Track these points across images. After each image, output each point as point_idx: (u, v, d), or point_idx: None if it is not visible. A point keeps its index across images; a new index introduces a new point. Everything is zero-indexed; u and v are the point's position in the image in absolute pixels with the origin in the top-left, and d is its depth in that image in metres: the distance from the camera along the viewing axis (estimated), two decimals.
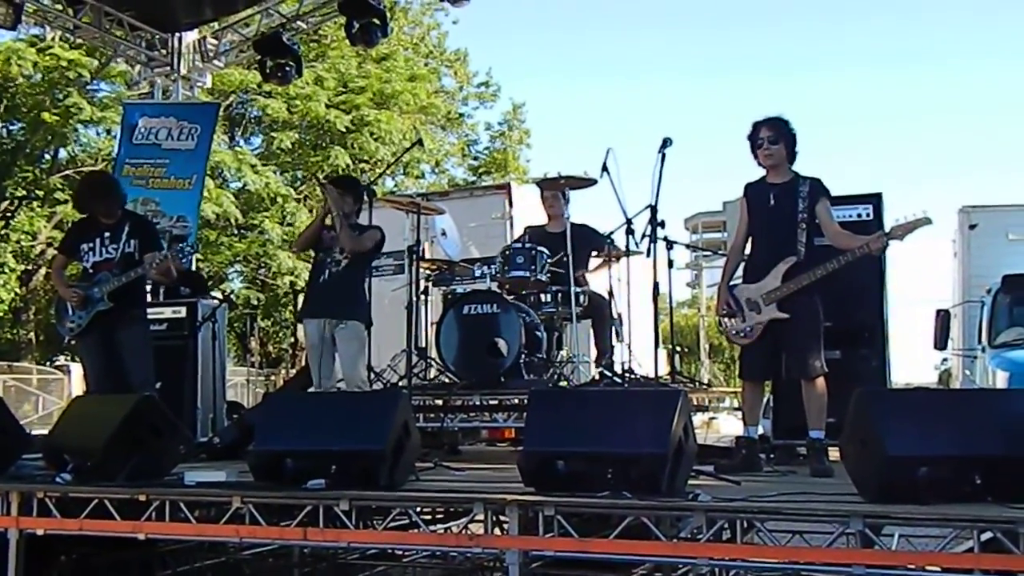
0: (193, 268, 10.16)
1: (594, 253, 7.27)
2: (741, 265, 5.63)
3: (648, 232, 6.26)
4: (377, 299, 6.90)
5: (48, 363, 24.45)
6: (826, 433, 5.19)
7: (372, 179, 14.40)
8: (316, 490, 4.25)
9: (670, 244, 6.75)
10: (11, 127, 22.61)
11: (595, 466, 3.98)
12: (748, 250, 5.60)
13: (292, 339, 26.45)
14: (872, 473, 3.81)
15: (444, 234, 7.72)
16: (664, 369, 7.63)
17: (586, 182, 6.91)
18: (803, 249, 5.30)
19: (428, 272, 7.53)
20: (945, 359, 15.06)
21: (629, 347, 7.09)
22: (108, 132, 21.22)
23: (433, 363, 7.12)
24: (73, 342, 6.60)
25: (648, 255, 6.30)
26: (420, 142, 12.84)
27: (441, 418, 6.83)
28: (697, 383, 9.64)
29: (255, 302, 24.56)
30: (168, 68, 11.26)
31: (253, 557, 6.25)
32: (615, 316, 7.09)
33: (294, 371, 21.76)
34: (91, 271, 6.34)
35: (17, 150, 22.39)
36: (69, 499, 4.68)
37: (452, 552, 4.33)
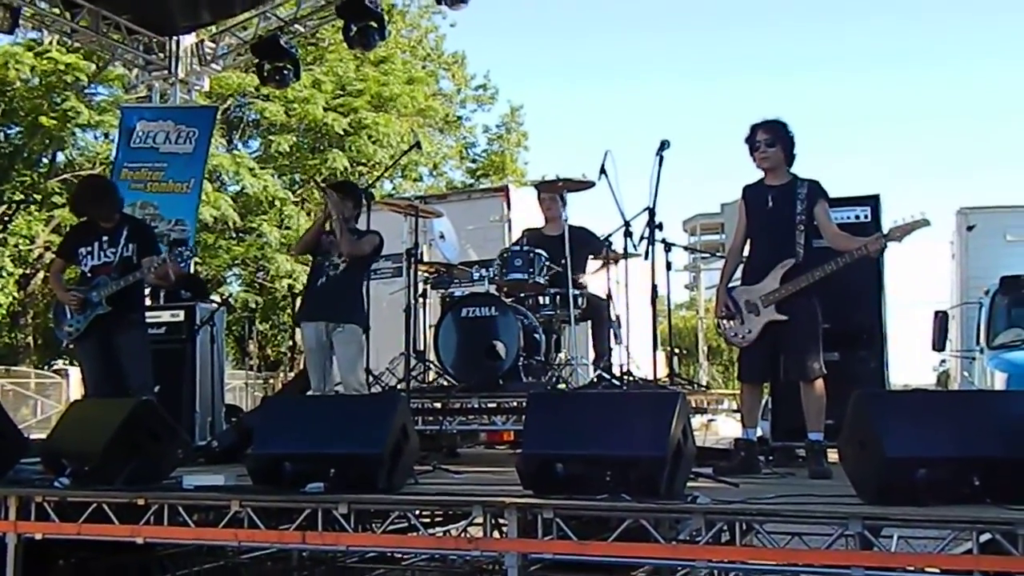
0: (191, 271, 10.16)
1: (592, 256, 7.26)
2: (740, 267, 5.64)
3: (646, 234, 6.26)
4: (375, 302, 6.90)
5: (46, 367, 24.42)
6: (825, 435, 5.19)
7: (370, 182, 14.40)
8: (315, 493, 4.25)
9: (668, 246, 6.77)
10: (8, 131, 22.57)
11: (594, 469, 3.98)
12: (747, 252, 5.60)
13: (290, 342, 26.39)
14: (871, 475, 3.81)
15: (442, 237, 7.72)
16: (663, 371, 7.63)
17: (584, 185, 6.91)
18: (801, 251, 5.31)
19: (426, 275, 7.53)
20: (943, 360, 15.03)
21: (627, 349, 7.09)
22: (106, 136, 21.21)
23: (432, 366, 7.12)
24: (71, 346, 6.60)
25: (646, 257, 6.30)
26: (418, 145, 12.86)
27: (440, 421, 6.83)
28: (696, 385, 9.66)
29: (253, 305, 24.53)
30: (166, 72, 11.27)
31: (252, 561, 6.23)
32: (613, 318, 7.09)
33: (292, 374, 21.74)
34: (89, 275, 6.34)
35: (15, 154, 22.36)
36: (67, 503, 4.67)
37: (451, 555, 4.33)
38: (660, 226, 6.29)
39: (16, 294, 22.04)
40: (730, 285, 5.56)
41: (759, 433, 5.65)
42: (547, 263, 6.84)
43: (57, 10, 10.30)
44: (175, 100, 11.26)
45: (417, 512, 4.42)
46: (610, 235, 6.96)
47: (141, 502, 4.50)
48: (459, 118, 29.16)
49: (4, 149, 22.55)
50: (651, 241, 6.25)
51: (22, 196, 22.55)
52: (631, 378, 6.76)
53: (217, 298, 10.32)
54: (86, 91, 21.59)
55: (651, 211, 6.25)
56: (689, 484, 4.20)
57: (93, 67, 20.30)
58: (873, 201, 6.58)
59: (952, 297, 12.28)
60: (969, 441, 3.78)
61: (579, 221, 7.25)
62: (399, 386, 6.89)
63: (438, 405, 6.91)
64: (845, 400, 4.13)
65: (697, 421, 9.39)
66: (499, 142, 29.80)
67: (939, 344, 9.70)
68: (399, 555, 6.22)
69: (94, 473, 4.73)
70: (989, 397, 6.09)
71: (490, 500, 4.02)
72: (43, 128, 20.72)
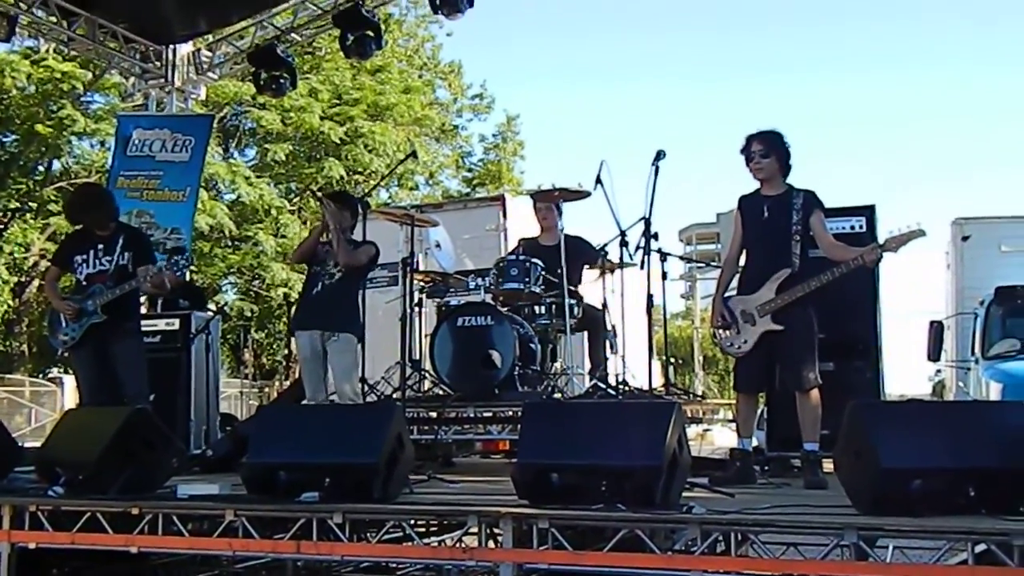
0: (189, 280, 10.15)
1: (587, 265, 7.27)
2: (736, 277, 5.64)
3: (642, 244, 6.26)
4: (371, 311, 6.91)
5: (41, 375, 24.40)
6: (820, 445, 5.19)
7: (366, 191, 14.42)
8: (310, 503, 4.24)
9: (664, 256, 6.76)
10: (5, 139, 22.59)
11: (589, 479, 3.98)
12: (743, 262, 5.61)
13: (286, 351, 26.40)
14: (866, 485, 3.81)
15: (438, 246, 7.73)
16: (658, 381, 7.63)
17: (580, 194, 6.91)
18: (797, 261, 5.32)
19: (422, 284, 7.53)
20: (939, 371, 15.08)
21: (623, 359, 7.09)
22: (102, 144, 21.21)
23: (427, 375, 7.11)
24: (66, 354, 6.59)
25: (642, 267, 6.30)
26: (414, 154, 12.86)
27: (435, 430, 6.83)
28: (691, 395, 9.65)
29: (249, 314, 24.53)
30: (162, 80, 11.26)
31: (246, 570, 6.21)
32: (609, 328, 7.09)
33: (288, 383, 21.73)
34: (85, 283, 6.33)
35: (11, 162, 22.36)
36: (61, 512, 4.66)
37: (446, 565, 4.32)
38: (656, 236, 6.29)
39: (11, 302, 22.04)
40: (726, 295, 5.56)
41: (755, 443, 5.66)
42: (543, 273, 6.84)
43: (54, 18, 10.30)
44: (171, 108, 11.26)
45: (412, 522, 4.41)
46: (606, 245, 6.96)
47: (135, 511, 4.49)
48: (455, 127, 29.23)
49: (0, 157, 22.55)
50: (647, 251, 6.25)
51: (18, 204, 22.55)
52: (627, 388, 6.76)
53: (213, 306, 10.31)
54: (82, 99, 21.62)
55: (647, 221, 6.25)
56: (685, 494, 4.20)
57: (89, 75, 20.31)
58: (868, 211, 6.60)
59: (947, 307, 12.30)
60: (965, 452, 3.79)
61: (575, 231, 7.27)
62: (394, 395, 6.88)
63: (434, 414, 6.91)
64: (840, 410, 4.13)
65: (693, 431, 9.40)
66: (495, 151, 29.86)
67: (934, 354, 9.69)
68: (394, 565, 6.20)
69: (88, 482, 4.71)
70: (984, 408, 6.09)
71: (485, 510, 4.01)
72: (39, 136, 20.73)
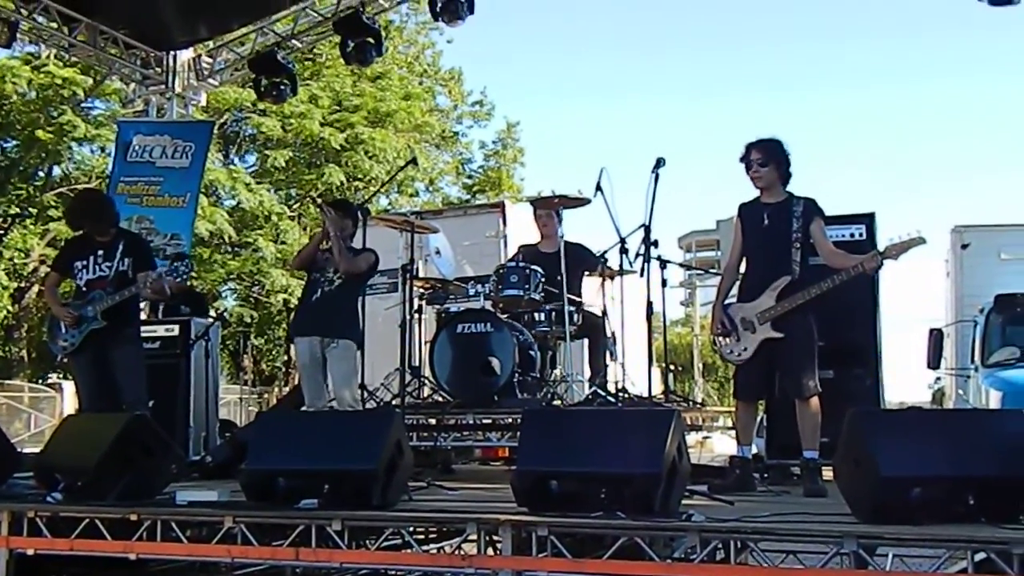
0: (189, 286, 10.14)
1: (587, 272, 7.27)
2: (736, 284, 5.64)
3: (642, 251, 6.26)
4: (371, 317, 6.91)
5: (40, 381, 24.35)
6: (820, 453, 5.19)
7: (366, 197, 14.42)
8: (308, 509, 4.24)
9: (664, 263, 6.77)
10: (5, 144, 22.58)
11: (588, 486, 3.98)
12: (743, 269, 5.61)
13: (285, 357, 26.37)
14: (866, 493, 3.81)
15: (438, 253, 7.73)
16: (658, 388, 7.62)
17: (580, 201, 6.92)
18: (797, 268, 5.32)
19: (422, 291, 7.53)
20: (938, 378, 15.06)
21: (623, 366, 7.09)
22: (102, 150, 21.20)
23: (426, 382, 7.11)
24: (66, 360, 6.58)
25: (642, 274, 6.30)
26: (414, 160, 12.88)
27: (434, 437, 6.82)
28: (691, 402, 9.66)
29: (248, 320, 24.51)
30: (163, 86, 11.30)
31: None
32: (609, 335, 7.09)
33: (287, 389, 21.71)
34: (85, 289, 6.33)
35: (11, 167, 22.36)
36: (60, 518, 4.65)
37: (445, 572, 4.31)
38: (656, 243, 6.30)
39: (10, 307, 22.01)
40: (726, 302, 5.57)
41: (754, 451, 5.65)
42: (543, 279, 6.84)
43: (55, 24, 10.33)
44: (172, 114, 11.28)
45: (411, 529, 4.41)
46: (606, 252, 6.97)
47: (134, 517, 4.49)
48: (455, 134, 29.19)
49: (0, 163, 22.56)
50: (647, 258, 6.25)
51: (18, 209, 22.55)
52: (626, 395, 6.76)
53: (212, 312, 10.31)
54: (83, 105, 21.61)
55: (647, 228, 6.25)
56: (684, 502, 4.20)
57: (90, 81, 20.32)
58: (868, 219, 6.60)
59: (947, 315, 12.30)
60: (964, 460, 3.78)
61: (575, 238, 7.27)
62: (394, 402, 6.87)
63: (433, 421, 6.91)
64: (840, 418, 4.13)
65: (692, 438, 9.38)
66: (495, 158, 29.82)
67: (934, 362, 9.69)
68: (393, 572, 6.18)
69: (87, 488, 4.71)
70: (984, 416, 6.09)
71: (484, 517, 4.01)
72: (39, 142, 20.73)
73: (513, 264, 7.04)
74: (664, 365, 7.67)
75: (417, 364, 7.26)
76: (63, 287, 6.93)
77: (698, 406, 9.54)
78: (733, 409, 5.79)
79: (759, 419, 6.43)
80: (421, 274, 7.57)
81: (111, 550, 4.55)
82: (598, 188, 6.60)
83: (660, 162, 6.19)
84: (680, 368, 38.98)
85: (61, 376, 21.99)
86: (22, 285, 22.77)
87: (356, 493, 4.29)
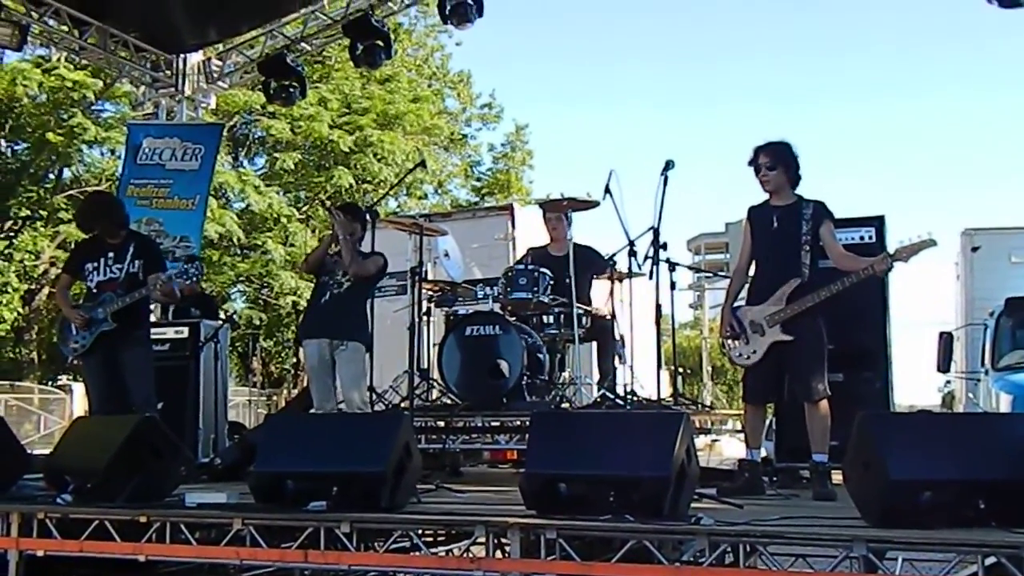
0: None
1: (596, 275, 7.26)
2: (745, 287, 5.63)
3: (650, 254, 6.25)
4: (379, 320, 6.91)
5: (50, 383, 24.43)
6: (829, 456, 5.17)
7: (375, 200, 14.44)
8: (317, 512, 4.24)
9: (672, 266, 6.75)
10: (16, 147, 22.70)
11: (597, 489, 3.97)
12: (752, 272, 5.60)
13: (294, 359, 26.40)
14: (875, 497, 3.79)
15: (447, 255, 7.73)
16: (666, 391, 7.61)
17: (589, 204, 6.91)
18: (807, 271, 5.30)
19: (430, 293, 7.53)
20: (948, 382, 15.06)
21: (631, 369, 7.08)
22: (112, 152, 21.28)
23: (435, 384, 7.11)
24: (76, 362, 6.61)
25: (650, 277, 6.30)
26: (423, 163, 12.87)
27: (443, 439, 6.83)
28: (700, 405, 9.61)
29: (257, 322, 24.55)
30: (173, 89, 11.31)
31: None
32: (617, 338, 7.08)
33: (296, 392, 21.74)
34: (95, 291, 6.36)
35: (21, 170, 22.46)
36: (69, 520, 4.67)
37: (454, 575, 4.31)
38: (664, 245, 6.29)
39: (21, 309, 22.08)
40: (735, 305, 5.55)
41: (763, 454, 5.64)
42: (551, 282, 6.84)
43: (65, 27, 10.36)
44: (181, 117, 11.30)
45: (420, 531, 4.40)
46: (615, 254, 6.96)
47: (143, 519, 4.50)
48: (464, 136, 29.21)
49: (11, 165, 22.66)
50: (655, 260, 6.25)
51: (28, 212, 22.64)
52: (635, 398, 6.75)
53: (222, 315, 10.33)
54: (93, 108, 21.69)
55: (655, 231, 6.24)
56: (693, 505, 4.18)
57: (100, 84, 20.40)
58: (878, 222, 6.59)
59: (957, 318, 12.28)
60: (974, 464, 3.77)
61: (584, 240, 7.27)
62: (402, 404, 6.88)
63: (441, 423, 6.91)
64: (849, 421, 4.11)
65: (701, 441, 9.38)
66: (504, 161, 29.83)
67: (944, 365, 9.66)
68: (401, 574, 6.19)
69: (96, 490, 4.72)
70: (994, 419, 6.08)
71: (493, 520, 4.00)
72: (50, 144, 20.81)
73: (522, 267, 7.03)
74: (673, 368, 7.63)
75: (426, 366, 7.26)
76: (74, 289, 6.96)
77: (707, 409, 9.51)
78: (742, 412, 5.78)
79: (768, 422, 6.41)
80: (430, 276, 7.57)
81: (120, 552, 4.56)
82: (607, 191, 6.59)
83: (669, 164, 6.18)
84: (689, 371, 38.96)
85: (71, 378, 22.07)
86: (32, 287, 22.84)
87: (365, 495, 4.29)
